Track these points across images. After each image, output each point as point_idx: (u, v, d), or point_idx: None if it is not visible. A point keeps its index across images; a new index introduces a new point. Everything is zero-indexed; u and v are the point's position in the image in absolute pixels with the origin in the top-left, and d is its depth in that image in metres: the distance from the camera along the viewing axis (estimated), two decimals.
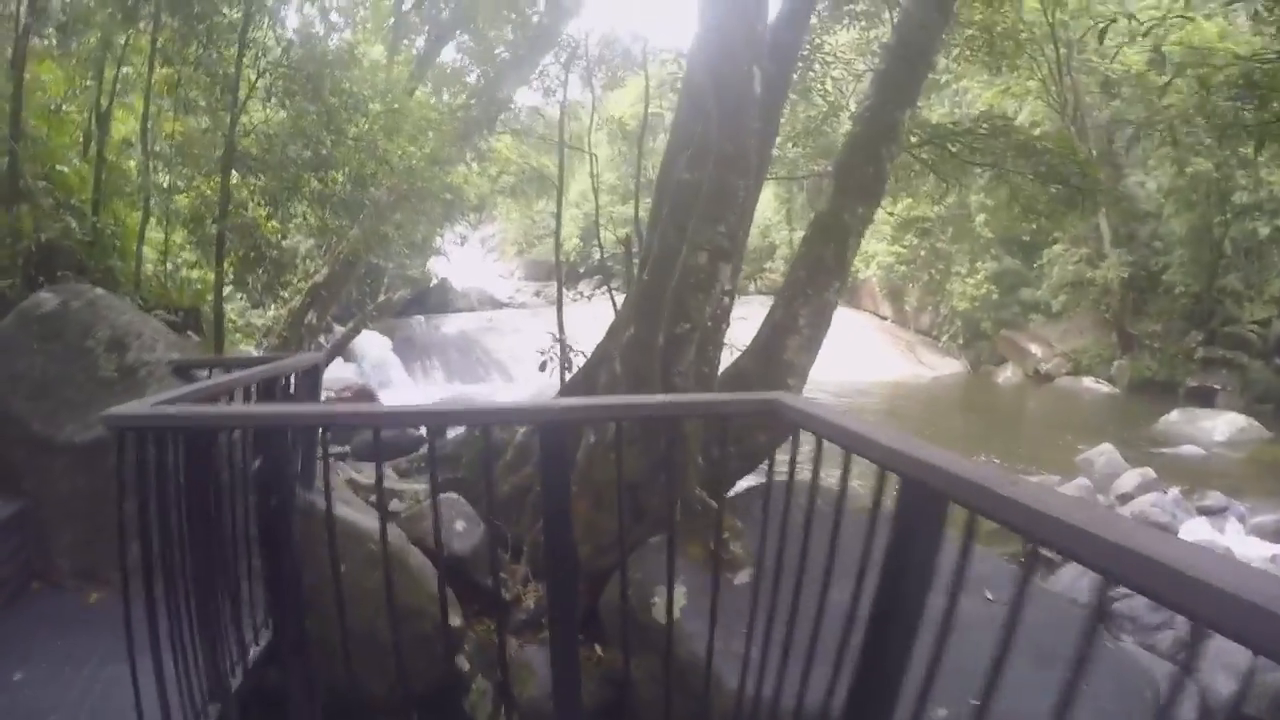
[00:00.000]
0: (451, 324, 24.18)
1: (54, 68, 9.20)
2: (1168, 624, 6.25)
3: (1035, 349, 22.45)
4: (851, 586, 1.93)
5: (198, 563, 2.67)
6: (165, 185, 9.91)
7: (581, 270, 30.58)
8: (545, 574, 3.76)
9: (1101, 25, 8.88)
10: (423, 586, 4.48)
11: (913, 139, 8.36)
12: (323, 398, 12.10)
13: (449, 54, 16.81)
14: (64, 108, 9.05)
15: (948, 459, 1.59)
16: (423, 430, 7.49)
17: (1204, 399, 17.77)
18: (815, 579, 2.16)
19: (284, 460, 2.68)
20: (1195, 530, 9.47)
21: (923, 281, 25.37)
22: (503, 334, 22.63)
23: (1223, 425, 15.31)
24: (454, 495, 6.07)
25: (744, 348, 6.66)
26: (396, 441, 8.48)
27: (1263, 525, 9.70)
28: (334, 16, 16.01)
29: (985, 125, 8.93)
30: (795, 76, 8.92)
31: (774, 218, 28.04)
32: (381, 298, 18.09)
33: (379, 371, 18.81)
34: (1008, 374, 22.89)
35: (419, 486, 6.57)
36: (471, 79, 16.68)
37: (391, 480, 7.28)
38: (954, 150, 8.79)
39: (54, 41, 9.71)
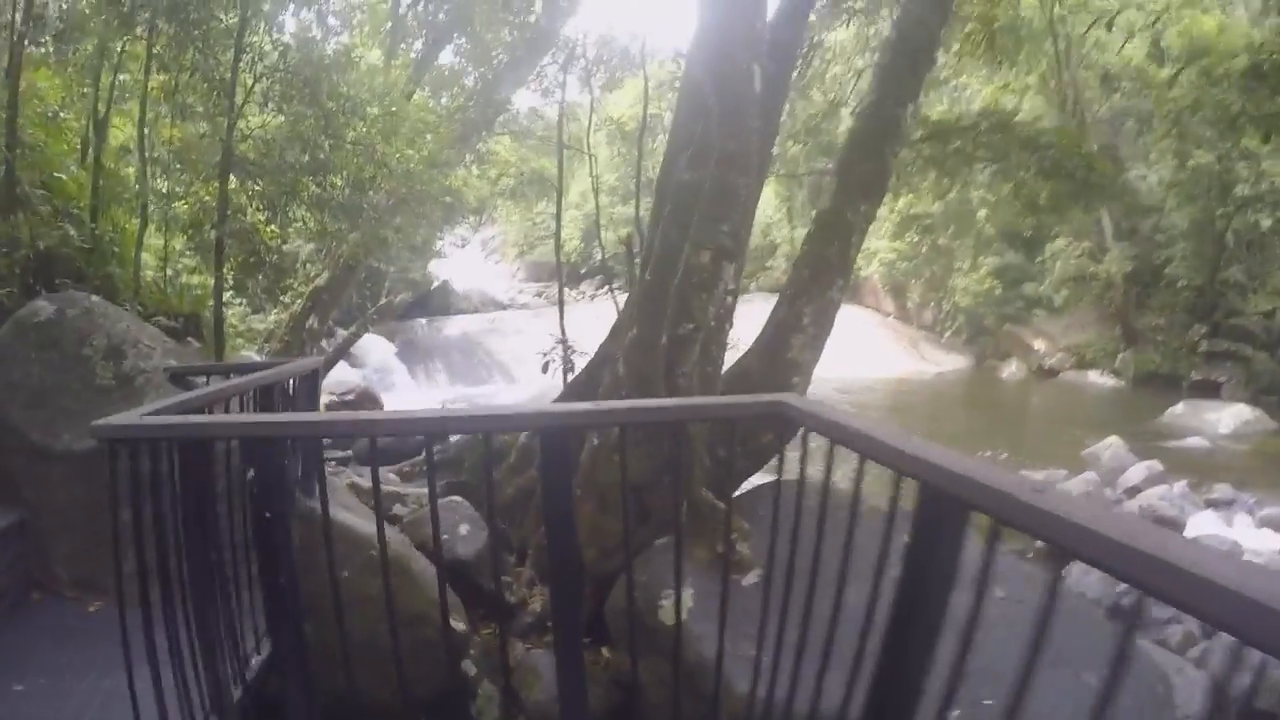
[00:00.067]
0: (453, 326, 24.21)
1: (51, 75, 9.17)
2: (1176, 619, 6.21)
3: (1039, 344, 22.38)
4: (864, 589, 1.89)
5: (195, 573, 2.63)
6: (164, 191, 9.88)
7: (583, 271, 30.55)
8: (549, 579, 3.72)
9: (1108, 16, 8.86)
10: (426, 592, 4.43)
11: (915, 135, 8.31)
12: (325, 401, 12.10)
13: (447, 57, 16.79)
14: (61, 115, 9.01)
15: (970, 465, 1.54)
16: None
17: (1209, 392, 17.70)
18: (826, 581, 2.11)
19: (278, 471, 2.63)
20: (1204, 523, 9.42)
21: (925, 278, 25.32)
22: (505, 335, 22.64)
23: (1228, 417, 15.27)
24: (457, 499, 6.04)
25: (745, 346, 6.62)
26: (399, 445, 8.42)
27: (1272, 518, 9.63)
28: (331, 20, 15.98)
29: (988, 120, 8.88)
30: (795, 74, 8.88)
31: (775, 216, 27.99)
32: (383, 301, 18.10)
33: (382, 374, 18.82)
34: (1011, 369, 22.82)
35: (422, 490, 6.53)
36: (469, 81, 16.65)
37: (394, 484, 7.25)
38: (956, 146, 8.74)
39: (50, 49, 9.68)
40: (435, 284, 26.36)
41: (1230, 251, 19.12)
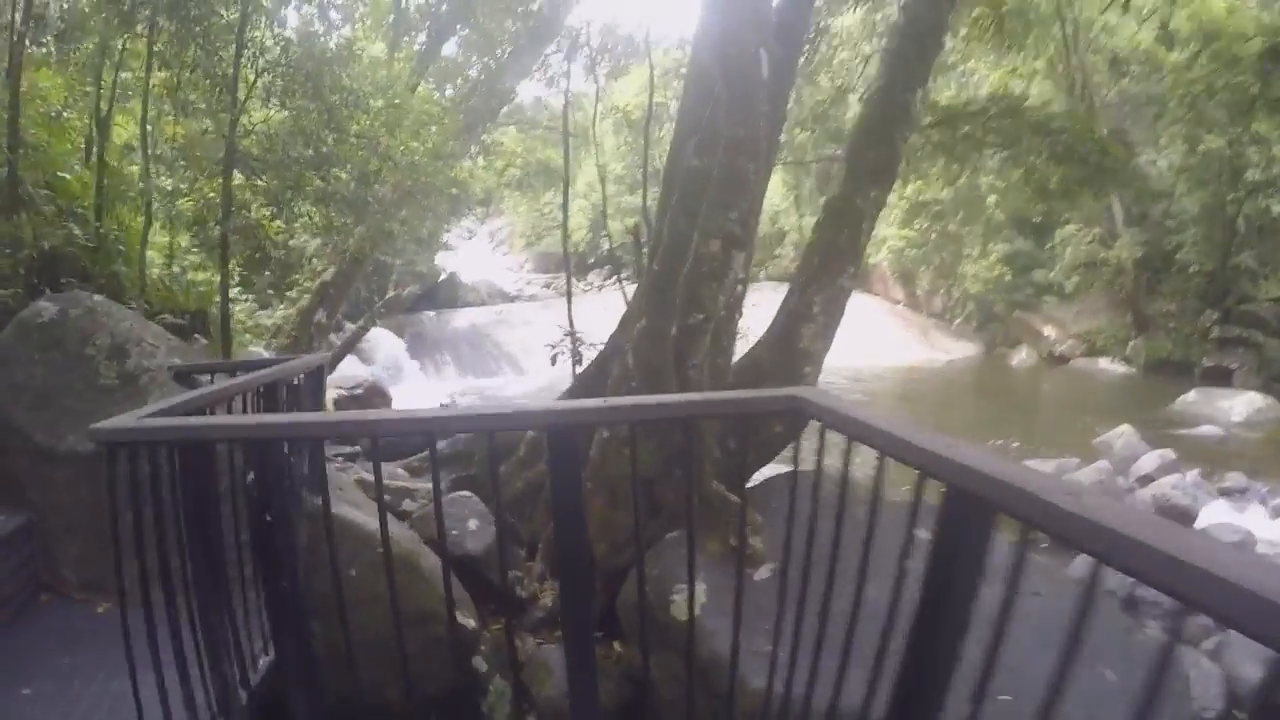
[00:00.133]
0: (462, 318, 24.20)
1: (52, 75, 9.14)
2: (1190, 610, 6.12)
3: (1049, 331, 22.24)
4: (881, 584, 1.83)
5: (199, 575, 2.58)
6: (168, 188, 9.86)
7: (591, 261, 30.49)
8: (559, 575, 3.67)
9: None
10: (435, 588, 4.40)
11: (925, 120, 8.22)
12: (333, 396, 12.06)
13: (450, 49, 16.74)
14: (63, 114, 8.98)
15: (997, 465, 1.46)
16: None
17: (1220, 378, 17.56)
18: (843, 575, 2.05)
19: (279, 473, 2.59)
20: (1217, 513, 9.31)
21: (934, 265, 25.18)
22: (513, 327, 22.62)
23: (1240, 405, 15.13)
24: (466, 493, 5.99)
25: (753, 336, 6.55)
26: (407, 439, 8.38)
27: None
28: (333, 14, 15.93)
29: (997, 105, 8.79)
30: (802, 60, 8.79)
31: (782, 204, 27.87)
32: (390, 294, 18.10)
33: (391, 368, 18.82)
34: (1022, 356, 22.69)
35: (430, 486, 6.48)
36: (473, 72, 16.60)
37: (403, 479, 7.20)
38: (966, 131, 8.65)
39: (51, 49, 9.66)
40: (443, 276, 26.29)
41: (1241, 237, 18.95)
